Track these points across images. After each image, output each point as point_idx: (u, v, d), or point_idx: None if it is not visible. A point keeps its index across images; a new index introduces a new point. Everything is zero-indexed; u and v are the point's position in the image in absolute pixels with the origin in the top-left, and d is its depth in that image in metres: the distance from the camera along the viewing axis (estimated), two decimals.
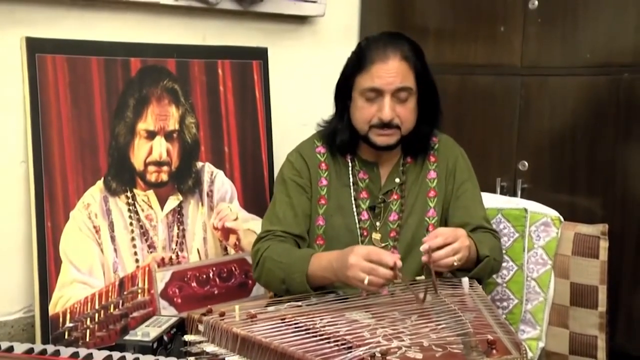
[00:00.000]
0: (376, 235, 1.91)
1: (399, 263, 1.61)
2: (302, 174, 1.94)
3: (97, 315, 2.02)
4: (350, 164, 1.95)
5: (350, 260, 1.63)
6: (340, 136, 1.91)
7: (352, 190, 1.93)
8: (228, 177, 2.33)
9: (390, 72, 1.80)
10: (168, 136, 2.18)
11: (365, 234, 1.91)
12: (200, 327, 1.60)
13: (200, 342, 1.57)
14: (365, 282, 1.60)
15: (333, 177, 1.95)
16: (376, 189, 1.94)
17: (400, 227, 1.91)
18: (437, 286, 1.66)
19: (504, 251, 2.06)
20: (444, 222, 1.95)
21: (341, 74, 1.92)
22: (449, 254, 1.63)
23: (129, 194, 2.11)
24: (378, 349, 1.37)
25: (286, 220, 1.90)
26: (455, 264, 1.64)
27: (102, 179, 2.06)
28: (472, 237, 1.77)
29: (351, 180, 1.94)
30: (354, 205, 1.92)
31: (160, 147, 2.16)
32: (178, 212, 2.21)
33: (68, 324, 1.97)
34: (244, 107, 2.38)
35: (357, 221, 1.91)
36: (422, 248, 1.63)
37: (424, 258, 1.64)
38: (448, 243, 1.64)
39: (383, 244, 1.90)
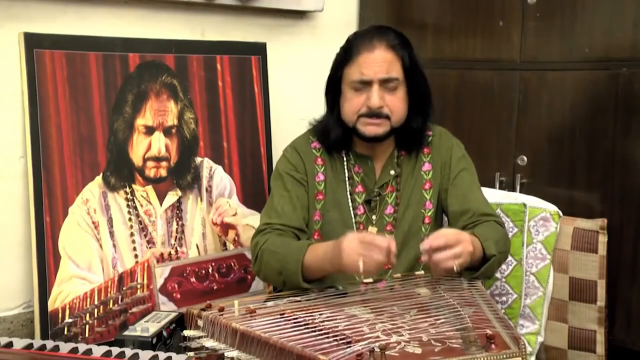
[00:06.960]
0: (372, 229, 1.88)
1: (393, 246, 1.59)
2: (298, 169, 1.94)
3: (96, 310, 2.03)
4: (345, 159, 1.95)
5: (344, 245, 1.62)
6: (333, 133, 1.91)
7: (347, 185, 1.93)
8: (227, 172, 2.33)
9: (377, 61, 1.81)
10: (167, 131, 2.18)
11: (361, 227, 1.91)
12: (200, 323, 1.61)
13: (199, 337, 1.58)
14: (360, 266, 1.57)
15: (329, 172, 1.95)
16: (371, 183, 1.93)
17: (397, 220, 1.91)
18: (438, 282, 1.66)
19: None
20: (440, 213, 1.96)
21: (331, 68, 1.93)
22: (449, 257, 1.58)
23: (127, 190, 2.11)
24: (377, 344, 1.37)
25: (285, 213, 1.89)
26: (455, 269, 1.59)
27: (101, 174, 2.06)
28: (476, 235, 1.74)
29: (346, 174, 1.94)
30: (349, 200, 1.92)
31: (159, 143, 2.16)
32: (177, 207, 2.21)
33: (67, 320, 1.98)
34: (243, 102, 2.37)
35: (353, 215, 1.91)
36: (423, 247, 1.59)
37: (424, 257, 1.62)
38: (450, 245, 1.58)
39: None
